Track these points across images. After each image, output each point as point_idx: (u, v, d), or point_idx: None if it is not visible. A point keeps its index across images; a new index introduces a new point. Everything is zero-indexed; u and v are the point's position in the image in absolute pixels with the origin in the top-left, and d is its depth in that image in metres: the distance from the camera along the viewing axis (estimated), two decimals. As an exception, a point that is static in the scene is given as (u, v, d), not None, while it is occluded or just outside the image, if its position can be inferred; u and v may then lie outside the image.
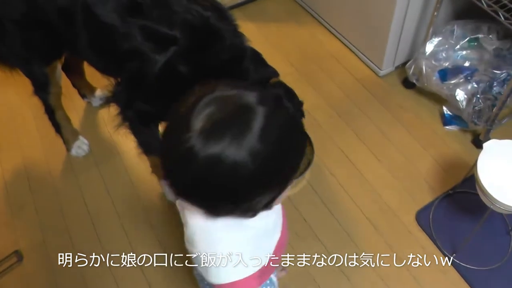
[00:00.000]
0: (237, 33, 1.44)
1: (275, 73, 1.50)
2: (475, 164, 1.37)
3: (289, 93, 1.50)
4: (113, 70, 1.53)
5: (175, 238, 1.71)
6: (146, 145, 1.68)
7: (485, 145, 1.40)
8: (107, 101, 1.62)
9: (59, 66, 1.77)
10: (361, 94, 2.06)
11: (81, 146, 1.97)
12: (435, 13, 1.78)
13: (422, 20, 1.93)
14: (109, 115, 2.06)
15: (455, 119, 1.91)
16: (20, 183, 1.93)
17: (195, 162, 0.66)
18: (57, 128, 1.92)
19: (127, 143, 1.98)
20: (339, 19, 2.24)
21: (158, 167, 1.75)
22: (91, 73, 2.05)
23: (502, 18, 1.52)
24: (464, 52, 1.85)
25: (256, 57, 1.47)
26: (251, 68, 1.43)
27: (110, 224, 1.77)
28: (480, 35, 1.84)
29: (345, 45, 2.26)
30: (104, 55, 1.49)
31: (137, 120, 1.60)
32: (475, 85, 1.77)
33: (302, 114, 1.53)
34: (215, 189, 0.70)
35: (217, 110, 0.67)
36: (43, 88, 1.76)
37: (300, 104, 1.51)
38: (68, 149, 1.97)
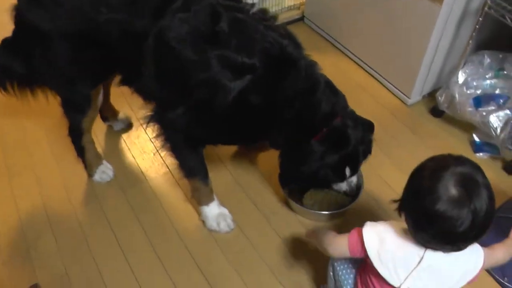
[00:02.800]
0: (311, 62, 1.43)
1: (344, 101, 1.49)
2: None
3: (369, 125, 1.55)
4: (175, 98, 1.42)
5: (219, 269, 1.59)
6: (189, 169, 1.60)
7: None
8: (149, 121, 1.52)
9: (101, 89, 1.66)
10: (391, 122, 2.07)
11: (105, 171, 1.83)
12: (470, 41, 1.84)
13: (451, 50, 1.99)
14: (131, 140, 1.99)
15: (486, 146, 1.94)
16: (35, 211, 1.75)
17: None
18: (81, 151, 1.78)
19: (154, 168, 1.87)
20: (364, 49, 2.28)
21: (199, 191, 1.65)
22: (114, 96, 1.97)
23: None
24: (493, 81, 1.91)
25: (329, 86, 1.46)
26: (323, 100, 1.42)
27: (143, 253, 1.62)
28: (506, 65, 1.92)
29: (370, 74, 2.28)
30: (171, 83, 1.40)
31: (184, 144, 1.52)
32: (508, 112, 1.82)
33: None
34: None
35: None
36: (79, 110, 1.63)
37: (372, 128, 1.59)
38: (91, 174, 1.82)
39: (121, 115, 2.00)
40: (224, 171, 1.89)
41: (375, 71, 2.25)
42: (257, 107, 1.35)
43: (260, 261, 1.61)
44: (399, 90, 2.15)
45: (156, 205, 1.77)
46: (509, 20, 1.66)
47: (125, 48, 1.38)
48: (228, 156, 1.94)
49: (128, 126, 2.02)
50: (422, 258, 1.04)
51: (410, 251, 1.05)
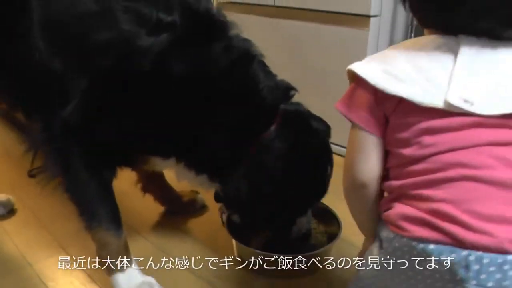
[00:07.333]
0: (241, 35, 1.14)
1: (293, 87, 1.19)
2: None
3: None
4: (68, 74, 1.04)
5: None
6: (91, 209, 1.11)
7: None
8: (31, 142, 1.11)
9: None
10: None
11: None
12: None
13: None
14: (15, 228, 1.44)
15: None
16: None
17: None
18: None
19: (45, 248, 1.34)
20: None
21: (108, 247, 1.13)
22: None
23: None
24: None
25: (265, 65, 1.16)
26: (261, 74, 1.12)
27: None
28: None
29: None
30: (61, 47, 1.04)
31: (84, 162, 1.08)
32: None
33: None
34: None
35: None
36: None
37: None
38: None
39: (1, 196, 1.49)
40: (143, 242, 1.39)
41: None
42: (183, 78, 1.01)
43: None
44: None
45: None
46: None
47: None
48: (147, 226, 1.47)
49: (11, 212, 1.50)
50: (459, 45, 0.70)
51: (439, 47, 0.71)
